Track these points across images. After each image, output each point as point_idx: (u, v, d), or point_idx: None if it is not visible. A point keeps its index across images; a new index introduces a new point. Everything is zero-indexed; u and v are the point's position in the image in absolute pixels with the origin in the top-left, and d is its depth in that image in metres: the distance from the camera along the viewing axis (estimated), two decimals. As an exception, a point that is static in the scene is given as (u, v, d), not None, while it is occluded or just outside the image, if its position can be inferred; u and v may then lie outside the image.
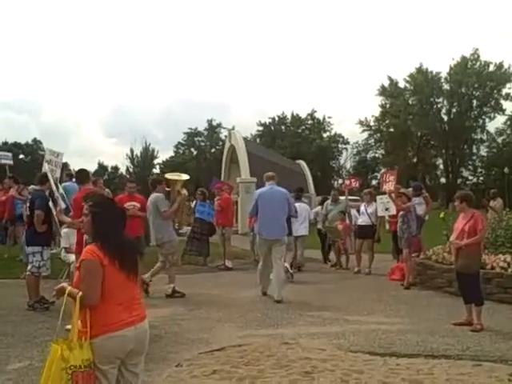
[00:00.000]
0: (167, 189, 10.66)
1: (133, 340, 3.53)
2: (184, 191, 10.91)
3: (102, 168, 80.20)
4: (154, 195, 10.35)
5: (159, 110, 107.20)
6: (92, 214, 3.71)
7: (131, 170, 77.07)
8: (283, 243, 10.20)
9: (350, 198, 16.80)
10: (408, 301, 9.73)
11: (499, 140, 68.59)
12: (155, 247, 10.43)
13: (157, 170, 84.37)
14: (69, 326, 5.78)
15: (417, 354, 6.39)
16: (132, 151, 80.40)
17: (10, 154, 16.88)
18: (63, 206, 8.42)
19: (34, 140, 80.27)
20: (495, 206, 16.14)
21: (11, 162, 15.65)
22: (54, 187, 8.67)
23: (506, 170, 54.70)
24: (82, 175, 8.56)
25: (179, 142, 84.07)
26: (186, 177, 11.41)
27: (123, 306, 3.52)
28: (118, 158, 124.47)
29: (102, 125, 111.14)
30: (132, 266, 3.62)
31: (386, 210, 12.52)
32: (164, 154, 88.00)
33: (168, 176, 11.42)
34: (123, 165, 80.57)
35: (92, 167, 73.32)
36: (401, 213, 11.44)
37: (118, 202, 8.70)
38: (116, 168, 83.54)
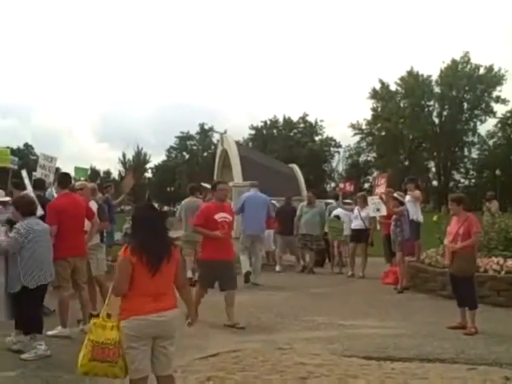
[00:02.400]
0: (199, 196, 12.56)
1: (154, 325, 4.13)
2: None
3: (94, 173, 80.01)
4: (196, 199, 12.12)
5: (151, 115, 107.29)
6: (131, 219, 4.51)
7: (123, 174, 76.90)
8: (262, 239, 12.60)
9: (344, 201, 16.76)
10: (402, 304, 9.75)
11: (490, 142, 68.98)
12: None
13: (149, 175, 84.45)
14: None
15: (411, 357, 6.39)
16: (124, 156, 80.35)
17: (16, 159, 16.52)
18: (41, 212, 8.19)
19: (26, 145, 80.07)
20: (491, 208, 16.17)
21: (15, 167, 15.41)
22: (30, 193, 8.49)
23: (497, 172, 54.98)
24: (62, 181, 8.04)
25: (171, 146, 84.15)
26: None
27: (151, 297, 4.16)
28: (110, 163, 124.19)
29: (93, 129, 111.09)
30: (156, 264, 4.17)
31: (378, 210, 12.54)
32: (156, 158, 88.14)
33: (203, 184, 14.09)
34: (115, 169, 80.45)
35: (84, 172, 72.78)
36: (394, 216, 11.45)
37: (205, 212, 8.27)
38: (108, 173, 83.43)
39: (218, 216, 8.09)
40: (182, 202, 13.04)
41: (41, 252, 6.61)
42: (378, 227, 13.46)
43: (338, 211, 14.56)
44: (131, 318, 4.11)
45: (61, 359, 6.38)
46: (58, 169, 12.63)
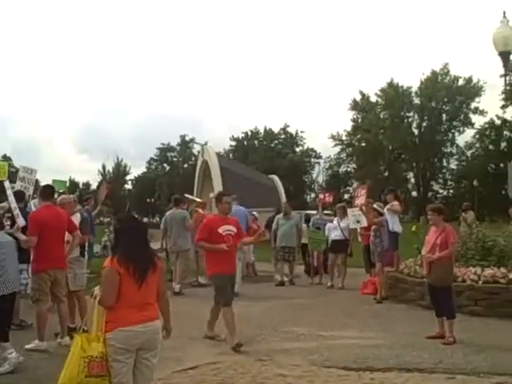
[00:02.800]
0: (184, 207, 13.26)
1: (141, 336, 4.12)
2: (201, 210, 13.38)
3: (73, 185, 79.35)
4: (180, 211, 12.84)
5: (131, 126, 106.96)
6: (114, 230, 4.51)
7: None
8: (242, 250, 12.37)
9: (324, 212, 16.81)
10: (381, 315, 9.78)
11: (468, 153, 69.70)
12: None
13: (129, 186, 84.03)
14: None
15: (390, 367, 6.42)
16: (104, 167, 79.95)
17: None
18: (23, 223, 8.18)
19: (4, 156, 79.22)
20: (467, 219, 16.31)
21: None
22: (12, 204, 8.46)
23: (475, 182, 55.57)
24: (46, 192, 8.07)
25: (152, 158, 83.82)
26: (199, 200, 14.88)
27: (136, 308, 4.14)
28: (90, 175, 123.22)
29: (73, 141, 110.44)
30: (143, 275, 4.18)
31: (358, 222, 12.59)
32: (136, 170, 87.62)
33: (187, 196, 14.88)
34: (95, 181, 79.93)
35: (63, 184, 72.19)
36: (373, 227, 11.53)
37: (209, 225, 7.82)
38: (87, 184, 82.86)
39: (223, 229, 7.67)
40: (167, 213, 13.37)
41: (4, 262, 6.51)
42: (360, 239, 13.52)
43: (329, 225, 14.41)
44: (117, 329, 4.06)
45: (38, 373, 6.30)
46: (37, 181, 12.52)
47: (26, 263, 8.11)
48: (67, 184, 16.04)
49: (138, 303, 4.15)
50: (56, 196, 8.92)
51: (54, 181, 13.76)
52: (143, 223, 4.50)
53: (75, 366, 4.01)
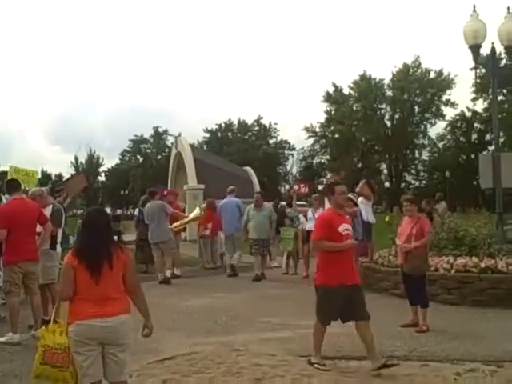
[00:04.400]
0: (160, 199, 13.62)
1: (97, 330, 4.10)
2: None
3: (45, 177, 78.23)
4: (159, 202, 13.27)
5: (104, 117, 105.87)
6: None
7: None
8: (239, 237, 14.00)
9: (298, 203, 16.85)
10: (356, 304, 9.83)
11: (440, 145, 70.42)
12: None
13: (102, 178, 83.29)
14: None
15: (365, 356, 6.45)
16: (76, 159, 79.06)
17: None
18: None
19: (-26, 149, 77.88)
20: (438, 209, 16.47)
21: None
22: None
23: (447, 174, 56.26)
24: (13, 185, 8.06)
25: (125, 150, 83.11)
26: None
27: (93, 302, 4.13)
28: (62, 167, 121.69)
29: (45, 133, 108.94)
30: (97, 269, 4.14)
31: None
32: (110, 162, 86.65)
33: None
34: (68, 173, 78.99)
35: (35, 176, 71.02)
36: (347, 217, 11.57)
37: (328, 222, 6.40)
38: (60, 176, 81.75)
39: (342, 228, 6.32)
40: (146, 205, 13.72)
41: None
42: None
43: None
44: (75, 322, 4.11)
45: (12, 366, 6.25)
46: (6, 174, 12.39)
47: None
48: (39, 176, 15.88)
49: (95, 297, 4.14)
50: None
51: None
52: (101, 217, 4.41)
53: (37, 353, 4.20)
